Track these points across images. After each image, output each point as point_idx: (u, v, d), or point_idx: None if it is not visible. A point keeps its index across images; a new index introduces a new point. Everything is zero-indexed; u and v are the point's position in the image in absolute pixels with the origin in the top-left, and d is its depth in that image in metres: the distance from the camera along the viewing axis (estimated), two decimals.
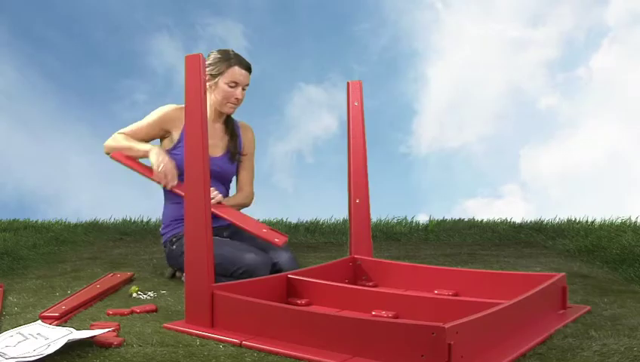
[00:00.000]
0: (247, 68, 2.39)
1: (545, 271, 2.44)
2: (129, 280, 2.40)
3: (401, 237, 3.71)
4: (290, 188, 4.31)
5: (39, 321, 1.68)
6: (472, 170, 5.12)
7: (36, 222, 4.05)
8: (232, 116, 2.51)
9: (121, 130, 2.43)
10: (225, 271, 2.14)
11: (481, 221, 4.01)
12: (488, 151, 5.14)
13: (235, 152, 2.48)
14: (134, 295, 2.12)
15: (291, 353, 1.45)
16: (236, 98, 2.39)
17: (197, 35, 4.98)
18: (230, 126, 2.51)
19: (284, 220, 4.12)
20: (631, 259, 2.59)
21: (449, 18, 5.15)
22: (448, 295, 1.96)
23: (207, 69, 2.35)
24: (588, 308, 1.87)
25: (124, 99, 5.04)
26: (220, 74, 2.36)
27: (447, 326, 1.30)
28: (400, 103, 5.11)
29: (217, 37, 4.90)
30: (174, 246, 2.36)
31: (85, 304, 1.96)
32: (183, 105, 2.28)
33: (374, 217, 3.70)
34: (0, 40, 4.85)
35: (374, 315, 1.74)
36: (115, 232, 3.93)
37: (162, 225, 2.47)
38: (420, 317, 1.64)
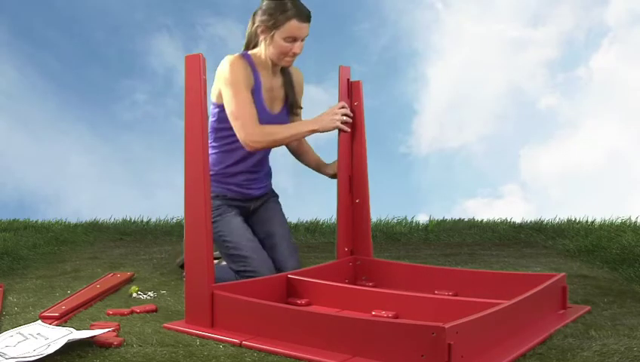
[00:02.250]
0: (307, 18, 2.18)
1: (545, 271, 2.44)
2: (129, 280, 2.40)
3: (401, 237, 3.71)
4: (290, 188, 4.31)
5: (39, 321, 1.68)
6: (472, 170, 5.12)
7: (36, 222, 4.05)
8: None
9: (248, 122, 2.14)
10: (237, 270, 2.16)
11: (481, 221, 4.01)
12: (488, 151, 5.14)
13: (294, 106, 2.36)
14: (134, 295, 2.12)
15: (291, 353, 1.45)
16: (294, 52, 2.21)
17: (197, 35, 4.98)
18: (287, 77, 2.35)
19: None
20: (631, 259, 2.59)
21: (449, 18, 5.15)
22: (448, 295, 1.96)
23: (261, 19, 2.19)
24: (588, 308, 1.87)
25: (124, 99, 5.04)
26: (276, 27, 2.16)
27: (447, 326, 1.30)
28: (400, 103, 5.11)
29: (217, 37, 4.91)
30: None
31: (85, 304, 1.96)
32: (236, 54, 2.21)
33: (374, 217, 3.69)
34: (0, 40, 4.85)
35: (374, 315, 1.74)
36: (115, 232, 3.93)
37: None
38: (420, 317, 1.64)
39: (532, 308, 1.66)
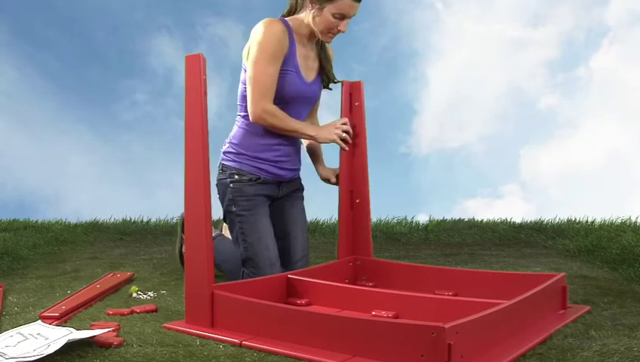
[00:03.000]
0: None
1: (545, 271, 2.44)
2: (129, 280, 2.40)
3: (401, 237, 3.71)
4: None
5: (39, 321, 1.68)
6: (472, 170, 5.12)
7: (36, 222, 4.05)
8: None
9: (263, 93, 2.10)
10: (244, 263, 2.15)
11: (481, 221, 4.01)
12: (488, 151, 5.14)
13: (330, 80, 2.30)
14: (134, 295, 2.12)
15: (291, 353, 1.45)
16: (339, 30, 2.14)
17: (197, 35, 4.98)
18: (324, 50, 2.29)
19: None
20: (631, 259, 2.59)
21: (449, 18, 5.15)
22: (448, 295, 1.96)
23: None
24: (588, 308, 1.87)
25: (124, 99, 5.04)
26: (328, 1, 2.09)
27: (447, 326, 1.30)
28: (400, 103, 5.11)
29: (217, 37, 4.91)
30: (227, 179, 2.21)
31: (85, 304, 1.96)
32: (275, 18, 2.17)
33: (374, 217, 3.69)
34: (0, 40, 4.85)
35: (374, 315, 1.74)
36: (115, 232, 3.93)
37: (227, 144, 2.27)
38: (420, 317, 1.64)
39: (532, 308, 1.66)
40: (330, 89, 2.34)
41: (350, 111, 2.28)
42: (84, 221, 4.18)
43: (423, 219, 4.06)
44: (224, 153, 2.26)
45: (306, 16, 2.17)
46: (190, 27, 5.02)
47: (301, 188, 2.38)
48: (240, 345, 1.52)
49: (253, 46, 2.12)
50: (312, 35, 2.22)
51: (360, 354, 1.41)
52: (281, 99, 2.17)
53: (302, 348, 1.46)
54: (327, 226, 3.94)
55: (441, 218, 4.09)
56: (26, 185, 4.92)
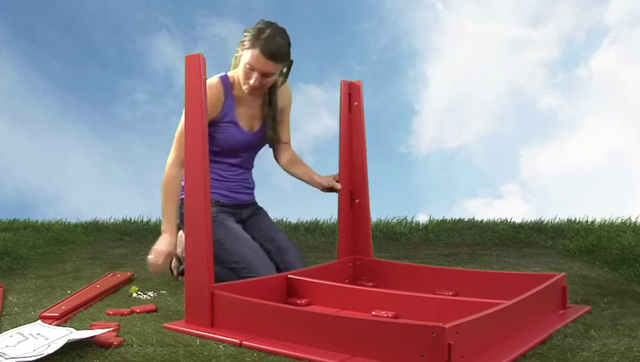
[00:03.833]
0: (271, 56, 2.11)
1: (545, 271, 2.44)
2: (129, 280, 2.40)
3: (401, 237, 3.72)
4: (290, 188, 4.32)
5: (39, 321, 1.68)
6: (472, 170, 5.13)
7: (36, 222, 4.06)
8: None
9: (177, 156, 2.19)
10: (234, 271, 2.15)
11: (481, 221, 4.01)
12: (488, 151, 5.14)
13: (272, 135, 2.33)
14: (134, 295, 2.12)
15: (291, 353, 1.45)
16: (250, 82, 2.16)
17: (197, 35, 4.98)
18: (272, 96, 2.30)
19: (284, 220, 4.12)
20: (631, 259, 2.59)
21: (449, 18, 5.16)
22: (448, 295, 1.96)
23: (242, 37, 2.17)
24: (588, 308, 1.87)
25: (124, 99, 5.04)
26: (246, 49, 2.14)
27: (447, 326, 1.30)
28: (400, 103, 5.12)
29: (217, 37, 4.91)
30: None
31: (85, 304, 1.96)
32: (216, 77, 2.19)
33: (374, 217, 3.70)
34: (0, 40, 4.86)
35: (374, 315, 1.74)
36: (115, 232, 3.94)
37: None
38: (420, 317, 1.64)
39: (532, 308, 1.66)
40: (272, 147, 2.40)
41: (349, 111, 2.28)
42: (84, 221, 4.18)
43: (423, 219, 4.07)
44: (184, 188, 2.31)
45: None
46: (190, 27, 5.03)
47: (261, 208, 2.47)
48: (240, 345, 1.52)
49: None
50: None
51: (360, 354, 1.41)
52: (225, 151, 2.27)
53: (302, 348, 1.46)
54: (327, 226, 3.94)
55: (441, 218, 4.09)
56: (26, 185, 4.93)
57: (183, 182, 2.23)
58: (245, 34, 2.16)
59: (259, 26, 2.14)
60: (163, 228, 2.21)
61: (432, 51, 5.12)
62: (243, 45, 2.16)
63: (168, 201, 2.21)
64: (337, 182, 2.28)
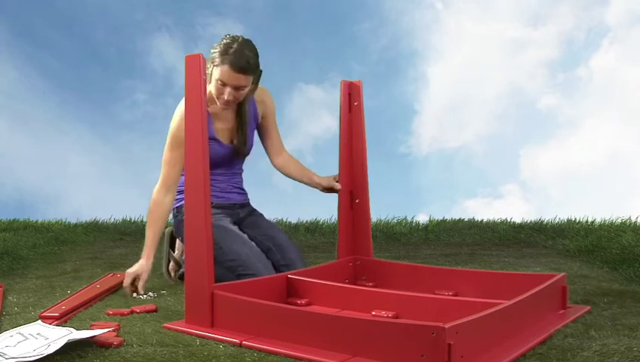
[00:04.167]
0: (241, 70, 2.12)
1: (545, 271, 2.44)
2: None
3: (401, 237, 3.72)
4: (290, 188, 4.32)
5: (39, 321, 1.68)
6: (472, 170, 5.13)
7: (36, 222, 4.06)
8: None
9: (163, 181, 2.22)
10: (231, 270, 2.14)
11: (481, 221, 4.02)
12: (488, 151, 5.15)
13: (240, 148, 2.33)
14: (134, 295, 2.12)
15: (291, 353, 1.45)
16: (223, 98, 2.17)
17: (197, 35, 4.98)
18: (241, 113, 2.31)
19: (284, 220, 4.12)
20: (631, 259, 2.59)
21: (449, 18, 5.16)
22: (448, 295, 1.96)
23: (211, 52, 2.18)
24: (588, 308, 1.87)
25: (124, 99, 5.04)
26: (216, 66, 2.15)
27: (447, 326, 1.30)
28: (400, 103, 5.12)
29: (217, 37, 4.90)
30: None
31: (85, 304, 1.96)
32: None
33: (374, 217, 3.70)
34: (0, 40, 4.86)
35: (374, 315, 1.74)
36: (115, 232, 3.94)
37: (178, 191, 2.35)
38: (420, 317, 1.64)
39: (532, 308, 1.66)
40: (243, 155, 2.38)
41: (349, 111, 2.28)
42: (84, 221, 4.18)
43: (423, 219, 4.07)
44: (176, 199, 2.33)
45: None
46: (190, 27, 5.03)
47: (257, 211, 2.47)
48: (240, 345, 1.52)
49: (168, 135, 2.24)
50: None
51: (360, 354, 1.41)
52: (210, 165, 2.23)
53: (302, 348, 1.46)
54: (327, 226, 3.94)
55: (441, 218, 4.10)
56: (26, 185, 4.93)
57: (173, 198, 2.25)
58: (213, 51, 2.17)
59: (225, 41, 2.16)
60: (145, 251, 2.21)
61: (432, 51, 5.12)
62: (213, 62, 2.16)
63: (150, 226, 2.24)
64: (337, 182, 2.27)
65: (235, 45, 2.13)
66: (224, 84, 2.15)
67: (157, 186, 2.23)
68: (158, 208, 2.22)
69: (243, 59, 2.12)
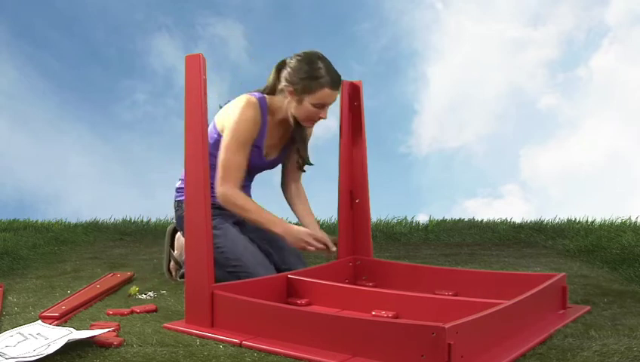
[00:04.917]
0: (338, 85, 2.14)
1: (545, 271, 2.44)
2: (129, 280, 2.40)
3: (401, 237, 3.72)
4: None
5: (39, 321, 1.68)
6: (472, 170, 5.13)
7: (36, 222, 4.06)
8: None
9: (230, 180, 2.13)
10: (233, 274, 2.13)
11: (481, 221, 4.02)
12: (488, 151, 5.15)
13: (304, 162, 2.33)
14: (134, 295, 2.12)
15: (291, 353, 1.45)
16: (320, 117, 2.17)
17: (197, 35, 4.98)
18: (301, 130, 2.29)
19: (284, 220, 4.11)
20: (631, 259, 2.59)
21: (449, 18, 5.16)
22: (448, 295, 1.96)
23: (291, 80, 2.14)
24: (588, 308, 1.87)
25: (124, 99, 5.05)
26: (306, 93, 2.12)
27: (447, 326, 1.30)
28: (400, 103, 5.12)
29: (217, 37, 4.91)
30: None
31: (85, 304, 1.96)
32: (254, 96, 2.18)
33: (374, 217, 3.70)
34: (0, 40, 4.86)
35: (374, 315, 1.74)
36: (115, 232, 3.94)
37: (180, 181, 2.33)
38: (420, 317, 1.64)
39: (532, 308, 1.66)
40: (304, 170, 2.38)
41: (349, 111, 2.28)
42: (84, 221, 4.18)
43: (423, 219, 4.07)
44: (177, 190, 2.31)
45: (287, 103, 2.19)
46: (190, 27, 5.03)
47: None
48: (240, 345, 1.52)
49: (227, 127, 2.16)
50: (287, 118, 2.23)
51: (360, 354, 1.41)
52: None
53: (302, 348, 1.46)
54: (327, 226, 3.94)
55: (441, 218, 4.10)
56: (26, 185, 4.93)
57: (181, 184, 2.22)
58: (286, 83, 2.14)
59: (304, 67, 2.12)
60: (277, 223, 2.14)
61: (432, 51, 5.13)
62: (294, 91, 2.13)
63: (249, 206, 2.16)
64: (335, 245, 2.22)
65: (319, 66, 2.12)
66: (323, 106, 2.15)
67: (227, 183, 2.13)
68: (238, 195, 2.14)
69: (336, 74, 2.14)
